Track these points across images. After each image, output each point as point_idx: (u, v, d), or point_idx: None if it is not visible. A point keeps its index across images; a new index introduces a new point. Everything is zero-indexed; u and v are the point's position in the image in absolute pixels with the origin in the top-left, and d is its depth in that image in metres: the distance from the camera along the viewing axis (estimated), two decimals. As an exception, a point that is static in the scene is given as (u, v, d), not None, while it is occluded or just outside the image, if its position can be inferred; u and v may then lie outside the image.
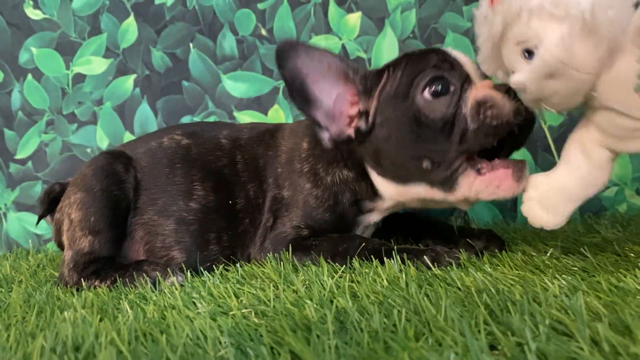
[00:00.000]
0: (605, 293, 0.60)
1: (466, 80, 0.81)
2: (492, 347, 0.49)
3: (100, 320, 0.65)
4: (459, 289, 0.68)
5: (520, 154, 0.88)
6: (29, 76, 1.40)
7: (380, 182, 0.89)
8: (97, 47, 1.39)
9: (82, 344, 0.56)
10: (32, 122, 1.41)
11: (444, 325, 0.52)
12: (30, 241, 1.41)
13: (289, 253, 0.89)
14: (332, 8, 1.32)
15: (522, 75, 0.72)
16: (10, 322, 0.70)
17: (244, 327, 0.59)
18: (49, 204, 1.05)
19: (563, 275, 0.68)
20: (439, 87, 0.80)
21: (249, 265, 0.89)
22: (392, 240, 0.98)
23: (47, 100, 1.40)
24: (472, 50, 1.28)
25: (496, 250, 0.87)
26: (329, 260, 0.85)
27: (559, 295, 0.59)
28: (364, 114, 0.87)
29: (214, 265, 0.95)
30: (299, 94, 0.84)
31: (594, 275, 0.68)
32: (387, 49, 1.30)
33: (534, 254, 0.84)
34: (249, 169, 1.00)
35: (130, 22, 1.38)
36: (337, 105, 0.86)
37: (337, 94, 0.86)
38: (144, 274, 0.87)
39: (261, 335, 0.56)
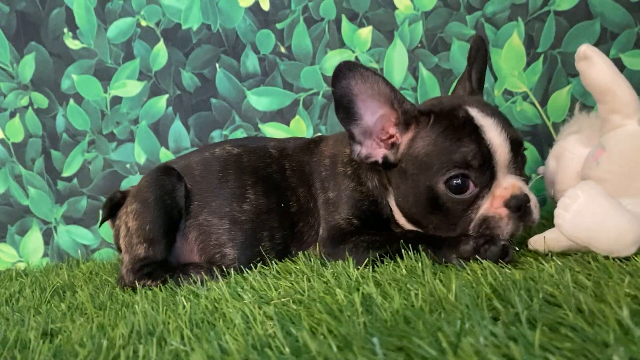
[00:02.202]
0: (593, 270, 0.70)
1: (490, 181, 0.88)
2: (495, 319, 0.59)
3: (164, 312, 0.76)
4: (468, 273, 0.78)
5: (527, 149, 0.97)
6: (71, 101, 1.54)
7: (395, 209, 0.99)
8: (131, 71, 1.52)
9: (153, 330, 0.68)
10: (76, 143, 1.54)
11: (454, 302, 0.62)
12: (79, 251, 1.54)
13: (344, 249, 0.96)
14: (345, 24, 1.42)
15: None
16: (87, 317, 0.82)
17: (285, 312, 0.70)
18: (110, 209, 1.15)
19: (556, 258, 0.78)
20: (460, 184, 0.87)
21: (282, 263, 1.00)
22: None
23: (88, 122, 1.54)
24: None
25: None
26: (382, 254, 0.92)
27: (554, 275, 0.69)
28: (396, 146, 0.93)
29: (266, 260, 1.05)
30: (344, 110, 0.91)
31: (585, 255, 0.78)
32: (397, 59, 1.41)
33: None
34: (297, 174, 1.10)
35: (161, 46, 1.50)
36: (376, 126, 0.93)
37: (380, 115, 0.93)
38: (189, 277, 1.00)
39: (300, 318, 0.67)
